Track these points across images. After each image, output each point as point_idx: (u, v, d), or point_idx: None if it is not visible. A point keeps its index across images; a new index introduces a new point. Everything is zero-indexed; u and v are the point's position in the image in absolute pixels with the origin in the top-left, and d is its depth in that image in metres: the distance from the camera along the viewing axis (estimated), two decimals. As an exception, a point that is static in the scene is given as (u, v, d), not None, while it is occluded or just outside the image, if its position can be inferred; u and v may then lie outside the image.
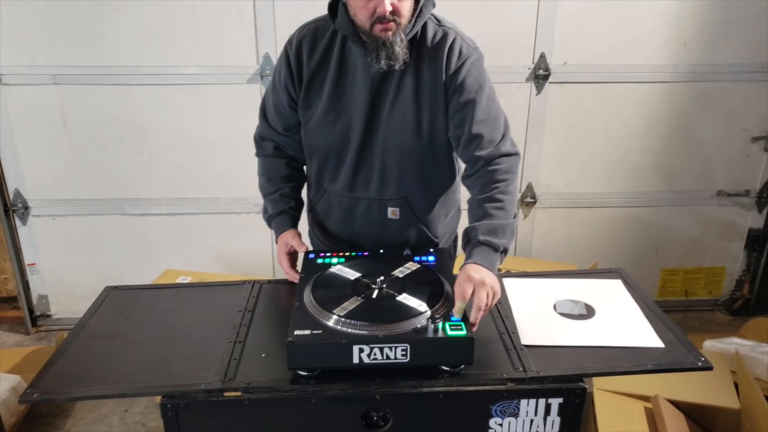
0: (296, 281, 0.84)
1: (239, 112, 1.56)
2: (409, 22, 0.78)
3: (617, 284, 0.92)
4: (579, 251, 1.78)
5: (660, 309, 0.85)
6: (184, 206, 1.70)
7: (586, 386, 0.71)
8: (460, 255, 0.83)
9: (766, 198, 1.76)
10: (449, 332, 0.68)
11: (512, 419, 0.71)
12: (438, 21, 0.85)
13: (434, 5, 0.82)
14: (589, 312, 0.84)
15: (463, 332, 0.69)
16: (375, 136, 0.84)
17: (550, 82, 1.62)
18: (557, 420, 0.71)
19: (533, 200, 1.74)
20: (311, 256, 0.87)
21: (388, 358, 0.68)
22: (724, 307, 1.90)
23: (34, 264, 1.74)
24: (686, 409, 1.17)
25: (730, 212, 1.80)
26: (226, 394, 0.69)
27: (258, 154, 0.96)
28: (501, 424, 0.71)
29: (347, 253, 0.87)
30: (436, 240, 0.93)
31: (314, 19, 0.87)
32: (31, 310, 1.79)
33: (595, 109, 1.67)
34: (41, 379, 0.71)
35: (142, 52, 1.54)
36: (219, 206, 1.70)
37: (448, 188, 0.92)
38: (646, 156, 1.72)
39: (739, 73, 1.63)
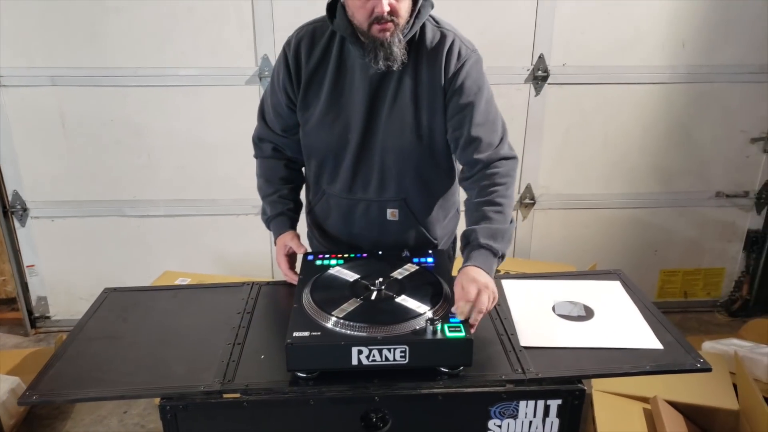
0: (295, 283, 0.84)
1: (238, 114, 1.57)
2: (407, 22, 0.79)
3: (616, 286, 0.92)
4: (578, 252, 1.78)
5: (659, 310, 0.85)
6: (182, 208, 1.70)
7: (585, 388, 0.71)
8: (459, 257, 0.83)
9: (765, 199, 1.77)
10: (448, 334, 0.68)
11: (511, 421, 0.71)
12: (437, 22, 0.85)
13: (432, 6, 0.82)
14: (587, 313, 0.84)
15: (462, 334, 0.69)
16: (374, 137, 0.84)
17: (549, 83, 1.62)
18: (556, 421, 0.71)
19: (532, 201, 1.75)
20: (310, 257, 0.87)
21: (386, 359, 0.68)
22: (723, 308, 1.90)
23: (33, 266, 1.74)
24: (685, 410, 1.17)
25: (728, 213, 1.80)
26: (225, 395, 0.69)
27: (256, 156, 0.96)
28: (500, 426, 0.71)
29: (346, 255, 0.87)
30: (435, 241, 0.93)
31: (313, 20, 0.87)
32: (30, 312, 1.79)
33: (594, 110, 1.67)
34: (40, 381, 0.71)
35: (141, 53, 1.54)
36: (218, 208, 1.70)
37: (447, 190, 0.92)
38: (645, 157, 1.73)
39: (737, 74, 1.64)
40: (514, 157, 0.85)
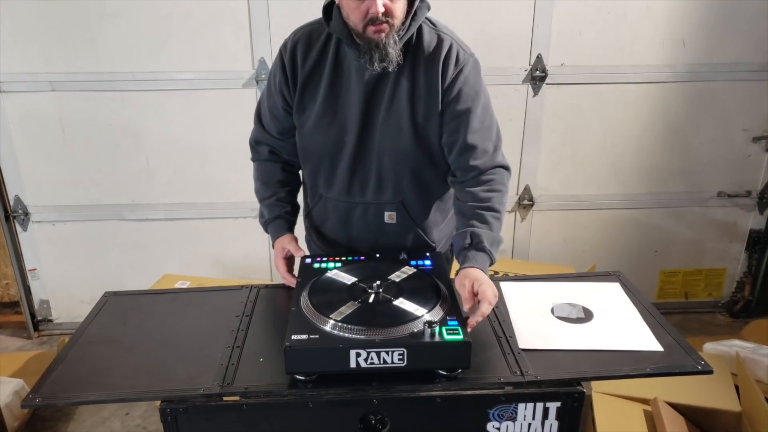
0: (293, 286, 0.84)
1: (235, 117, 1.57)
2: (403, 24, 0.79)
3: (615, 287, 0.92)
4: (577, 253, 1.78)
5: (659, 312, 0.85)
6: (181, 211, 1.70)
7: (584, 390, 0.71)
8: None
9: (767, 199, 1.76)
10: (446, 337, 0.69)
11: (510, 423, 0.71)
12: (434, 25, 0.85)
13: (429, 8, 0.82)
14: (587, 315, 0.84)
15: (460, 336, 0.69)
16: (370, 139, 0.84)
17: (547, 84, 1.62)
18: (555, 424, 0.71)
19: (531, 203, 1.74)
20: (308, 260, 0.88)
21: (385, 362, 0.68)
22: (725, 309, 1.89)
23: (35, 269, 1.75)
24: (686, 411, 1.17)
25: (730, 213, 1.79)
26: (224, 398, 0.69)
27: (253, 159, 0.96)
28: (499, 428, 0.71)
29: (344, 258, 0.87)
30: (433, 244, 0.93)
31: (309, 23, 0.87)
32: (32, 315, 1.80)
33: (593, 111, 1.66)
34: (42, 385, 0.72)
35: (138, 58, 1.55)
36: (216, 211, 1.71)
37: (444, 192, 0.92)
38: (644, 157, 1.72)
39: (738, 72, 1.63)
40: (508, 168, 0.86)
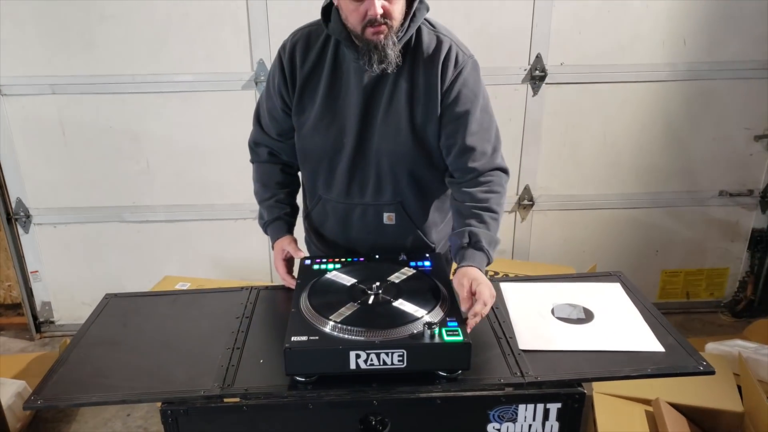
0: (293, 287, 0.84)
1: (235, 119, 1.57)
2: (402, 25, 0.79)
3: (616, 288, 0.91)
4: (578, 254, 1.77)
5: (660, 312, 0.85)
6: (181, 213, 1.71)
7: (585, 391, 0.71)
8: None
9: (770, 197, 1.75)
10: (446, 338, 0.68)
11: (510, 424, 0.70)
12: (433, 26, 0.84)
13: (428, 9, 0.82)
14: (587, 316, 0.83)
15: (460, 338, 0.68)
16: (369, 141, 0.84)
17: (547, 83, 1.61)
18: (556, 425, 0.71)
19: (531, 203, 1.74)
20: (307, 262, 0.88)
21: (384, 363, 0.68)
22: (727, 308, 1.88)
23: (36, 271, 1.76)
24: (688, 412, 1.17)
25: (732, 212, 1.78)
26: (224, 400, 0.70)
27: (253, 160, 0.97)
28: (499, 430, 0.71)
29: (343, 259, 0.87)
30: (433, 245, 0.93)
31: (307, 24, 0.87)
32: (35, 317, 1.81)
33: (593, 110, 1.66)
34: (44, 387, 0.72)
35: (137, 60, 1.55)
36: (216, 212, 1.71)
37: (443, 193, 0.92)
38: (645, 156, 1.71)
39: (740, 70, 1.62)
40: (507, 171, 0.86)
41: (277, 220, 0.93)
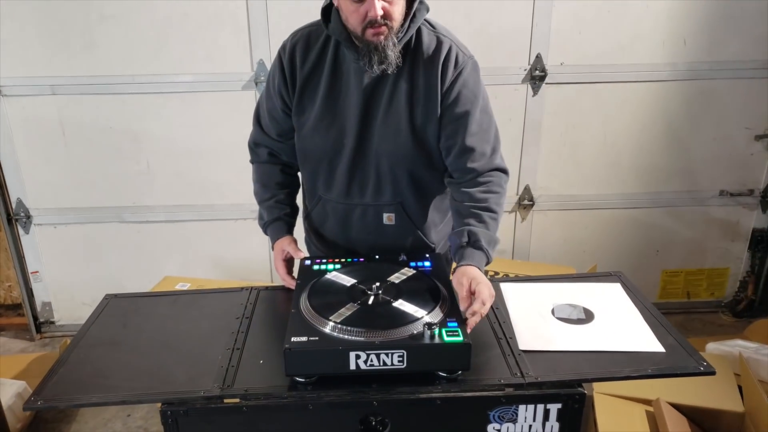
0: (293, 287, 0.84)
1: (235, 119, 1.57)
2: (402, 26, 0.79)
3: (616, 288, 0.91)
4: (578, 254, 1.77)
5: (660, 313, 0.84)
6: (181, 213, 1.71)
7: (585, 391, 0.71)
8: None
9: (770, 197, 1.75)
10: (446, 338, 0.68)
11: (510, 425, 0.70)
12: (433, 27, 0.84)
13: (428, 10, 0.82)
14: (587, 316, 0.83)
15: (460, 338, 0.68)
16: (369, 141, 0.84)
17: (547, 83, 1.61)
18: (556, 426, 0.71)
19: (531, 203, 1.74)
20: (307, 262, 0.88)
21: (384, 364, 0.68)
22: (728, 308, 1.88)
23: (36, 272, 1.76)
24: (689, 412, 1.16)
25: (732, 212, 1.78)
26: (224, 400, 0.70)
27: (252, 161, 0.97)
28: (499, 430, 0.71)
29: (343, 260, 0.87)
30: (433, 245, 0.93)
31: (307, 25, 0.87)
32: (35, 317, 1.81)
33: (593, 110, 1.66)
34: (44, 387, 0.72)
35: (137, 60, 1.55)
36: (216, 213, 1.71)
37: (442, 193, 0.92)
38: (645, 156, 1.71)
39: (740, 70, 1.62)
40: (506, 171, 0.86)
41: (277, 221, 0.93)
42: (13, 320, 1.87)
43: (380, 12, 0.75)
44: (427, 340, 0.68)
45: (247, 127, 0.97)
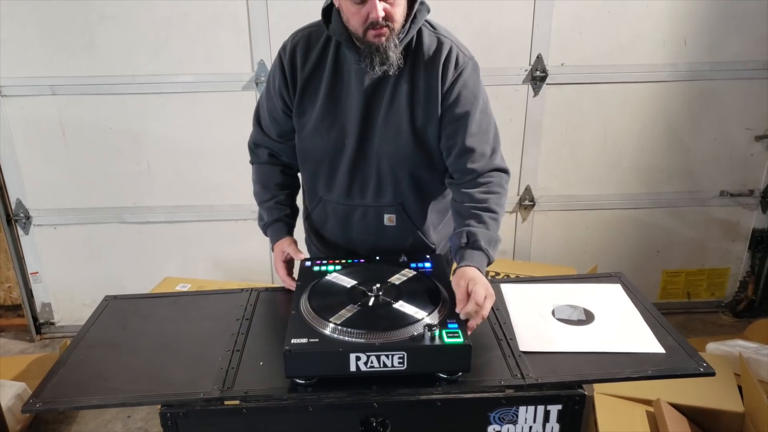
0: (293, 289, 0.84)
1: (235, 119, 1.57)
2: (403, 27, 0.78)
3: (617, 289, 0.91)
4: (578, 254, 1.77)
5: (660, 313, 0.84)
6: (181, 214, 1.70)
7: (586, 392, 0.70)
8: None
9: (770, 197, 1.75)
10: (446, 340, 0.68)
11: (511, 426, 0.70)
12: (433, 28, 0.84)
13: (429, 11, 0.82)
14: (588, 317, 0.83)
15: (461, 339, 0.68)
16: (369, 142, 0.84)
17: (548, 84, 1.61)
18: (556, 427, 0.71)
19: (531, 203, 1.73)
20: (308, 263, 0.87)
21: (385, 365, 0.68)
22: (728, 308, 1.88)
23: (36, 273, 1.76)
24: (689, 412, 1.16)
25: (733, 212, 1.78)
26: (224, 402, 0.69)
27: (252, 162, 0.96)
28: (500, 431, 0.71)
29: (343, 261, 0.87)
30: (433, 246, 0.93)
31: (308, 25, 0.87)
32: (35, 318, 1.81)
33: (594, 110, 1.66)
34: (43, 389, 0.72)
35: (138, 61, 1.55)
36: (216, 213, 1.71)
37: (443, 193, 0.92)
38: (646, 156, 1.71)
39: (741, 70, 1.62)
40: (507, 171, 0.86)
41: (277, 222, 0.92)
42: (13, 321, 1.86)
43: (382, 13, 0.75)
44: (427, 342, 0.68)
45: (247, 128, 0.97)
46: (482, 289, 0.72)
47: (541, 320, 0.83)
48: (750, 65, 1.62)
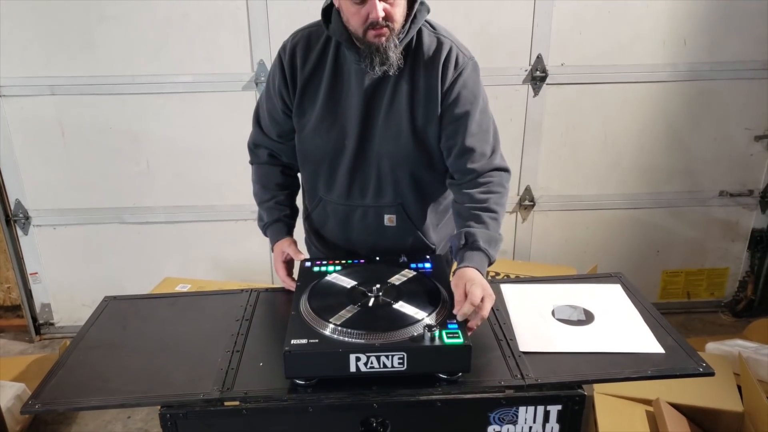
0: (293, 289, 0.84)
1: (235, 119, 1.57)
2: (403, 27, 0.78)
3: (616, 289, 0.91)
4: (578, 254, 1.77)
5: (660, 314, 0.85)
6: (181, 214, 1.70)
7: (585, 393, 0.71)
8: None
9: (770, 197, 1.75)
10: (446, 340, 0.68)
11: (511, 426, 0.70)
12: (433, 28, 0.84)
13: (429, 11, 0.82)
14: (588, 317, 0.83)
15: (460, 340, 0.68)
16: (370, 143, 0.84)
17: (548, 84, 1.61)
18: (556, 427, 0.71)
19: (531, 203, 1.74)
20: (307, 264, 0.87)
21: (385, 366, 0.68)
22: (728, 308, 1.88)
23: (36, 273, 1.75)
24: (688, 412, 1.17)
25: (732, 212, 1.78)
26: (224, 403, 0.69)
27: (252, 162, 0.96)
28: (499, 432, 0.71)
29: (343, 261, 0.87)
30: (433, 246, 0.93)
31: (308, 25, 0.87)
32: (34, 319, 1.81)
33: (594, 110, 1.66)
34: (43, 390, 0.72)
35: (137, 61, 1.55)
36: (216, 214, 1.71)
37: (443, 194, 0.92)
38: (645, 156, 1.71)
39: (740, 70, 1.62)
40: (507, 170, 0.86)
41: (276, 222, 0.92)
42: (13, 322, 1.86)
43: (382, 14, 0.75)
44: (427, 342, 0.68)
45: (247, 128, 0.97)
46: (479, 289, 0.72)
47: (540, 320, 0.83)
48: (750, 65, 1.62)
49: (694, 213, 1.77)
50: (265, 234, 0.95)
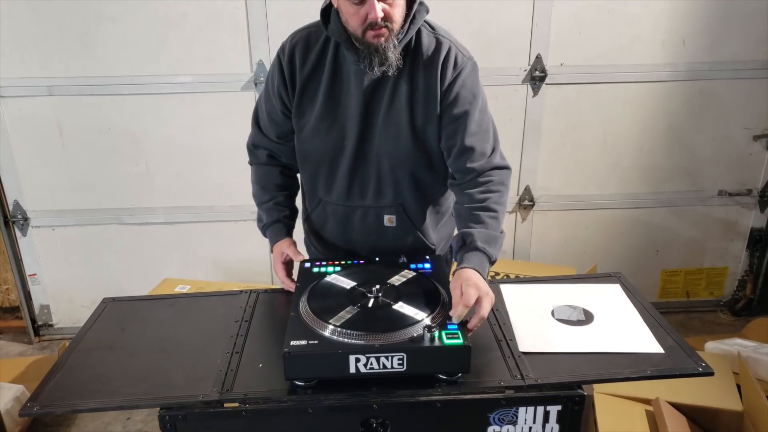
0: (293, 290, 0.83)
1: (234, 120, 1.57)
2: (402, 27, 0.78)
3: (616, 289, 0.91)
4: (578, 254, 1.77)
5: (660, 314, 0.85)
6: (180, 215, 1.70)
7: (585, 393, 0.71)
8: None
9: (768, 197, 1.76)
10: (446, 341, 0.68)
11: (510, 427, 0.70)
12: (432, 28, 0.84)
13: (428, 11, 0.82)
14: (587, 318, 0.83)
15: (460, 341, 0.68)
16: (369, 143, 0.84)
17: (547, 84, 1.61)
18: (556, 427, 0.71)
19: (531, 203, 1.74)
20: (307, 264, 0.87)
21: (384, 367, 0.68)
22: (727, 307, 1.88)
23: (35, 274, 1.75)
24: (688, 411, 1.17)
25: (731, 212, 1.78)
26: (224, 405, 0.69)
27: (251, 163, 0.96)
28: (499, 432, 0.71)
29: (343, 262, 0.87)
30: (433, 247, 0.93)
31: (307, 26, 0.87)
32: (33, 320, 1.81)
33: (593, 110, 1.66)
34: (41, 392, 0.72)
35: (136, 61, 1.55)
36: (215, 214, 1.71)
37: (443, 194, 0.92)
38: (645, 156, 1.71)
39: (740, 70, 1.62)
40: (507, 168, 0.85)
41: (276, 223, 0.92)
42: (11, 323, 1.86)
43: (380, 14, 0.75)
44: (427, 343, 0.68)
45: (246, 128, 0.97)
46: (473, 290, 0.72)
47: (540, 321, 0.83)
48: (749, 65, 1.62)
49: (694, 212, 1.78)
50: (265, 235, 0.95)
